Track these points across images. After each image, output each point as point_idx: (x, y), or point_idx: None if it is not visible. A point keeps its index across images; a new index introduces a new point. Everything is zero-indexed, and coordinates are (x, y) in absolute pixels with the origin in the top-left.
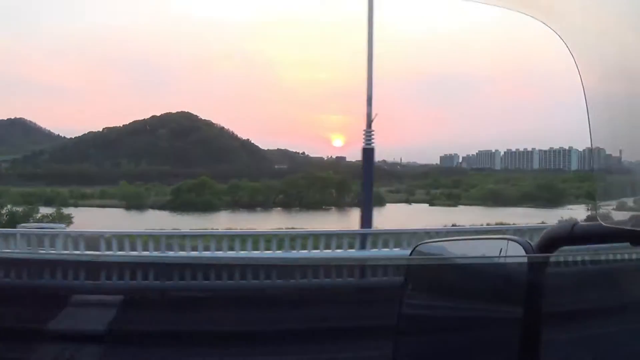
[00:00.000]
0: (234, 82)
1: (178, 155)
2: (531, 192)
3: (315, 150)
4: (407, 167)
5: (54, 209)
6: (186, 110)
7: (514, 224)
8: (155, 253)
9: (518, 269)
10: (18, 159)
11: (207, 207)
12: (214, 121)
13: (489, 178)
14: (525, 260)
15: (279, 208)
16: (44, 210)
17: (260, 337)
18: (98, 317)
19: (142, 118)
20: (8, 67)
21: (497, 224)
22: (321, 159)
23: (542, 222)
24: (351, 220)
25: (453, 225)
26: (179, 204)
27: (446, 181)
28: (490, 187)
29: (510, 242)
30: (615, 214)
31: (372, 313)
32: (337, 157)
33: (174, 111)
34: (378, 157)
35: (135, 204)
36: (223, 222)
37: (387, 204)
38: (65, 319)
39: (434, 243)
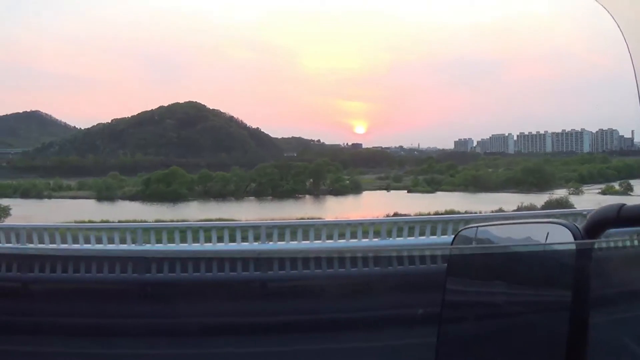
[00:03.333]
0: (248, 71)
1: (183, 145)
2: (517, 176)
3: (332, 137)
4: (425, 152)
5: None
6: (194, 100)
7: (466, 211)
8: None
9: (566, 254)
10: (28, 152)
11: (175, 197)
12: (222, 110)
13: (495, 162)
14: (573, 245)
15: (251, 197)
16: None
17: (305, 324)
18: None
19: (151, 109)
20: (23, 61)
21: (446, 212)
22: (337, 146)
23: (500, 210)
24: (323, 208)
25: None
26: (147, 195)
27: (440, 166)
28: (472, 172)
29: (557, 225)
30: None
31: (416, 300)
32: (352, 144)
33: (182, 101)
34: (397, 142)
35: (106, 195)
36: (190, 212)
37: (365, 192)
38: None
39: (478, 227)
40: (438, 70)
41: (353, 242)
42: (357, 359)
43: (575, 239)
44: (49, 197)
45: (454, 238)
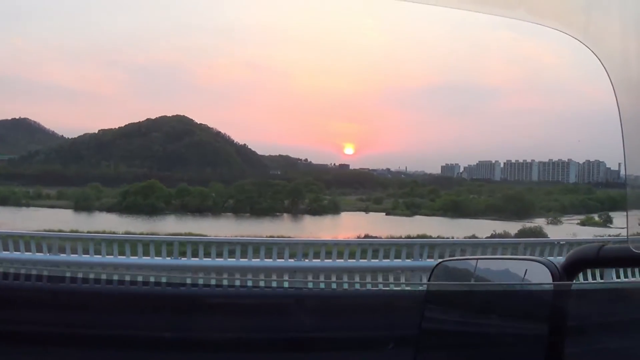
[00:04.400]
0: (237, 87)
1: (168, 159)
2: (498, 204)
3: (321, 157)
4: (412, 176)
5: None
6: (182, 114)
7: (438, 236)
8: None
9: (543, 292)
10: (14, 159)
11: (151, 210)
12: (210, 125)
13: (479, 188)
14: (550, 285)
15: (228, 213)
16: None
17: (272, 344)
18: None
19: (138, 121)
20: (13, 68)
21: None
22: (324, 166)
23: (473, 236)
24: (297, 227)
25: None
26: (124, 207)
27: (422, 190)
28: (452, 197)
29: (536, 263)
30: None
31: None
32: (340, 165)
33: (170, 114)
34: (385, 165)
35: (83, 205)
36: (164, 226)
37: (343, 212)
38: None
39: (459, 259)
40: (428, 96)
41: (316, 261)
42: None
43: (553, 277)
44: (27, 205)
45: (434, 268)
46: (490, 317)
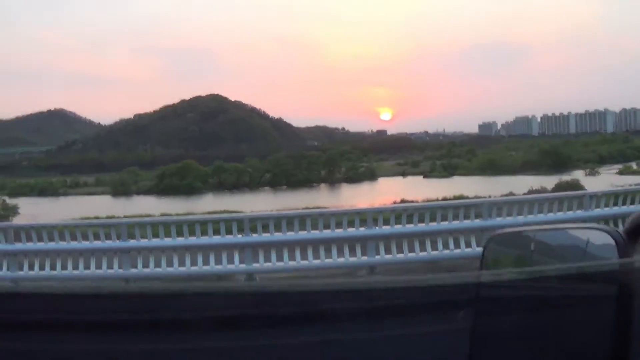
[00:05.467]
0: (271, 62)
1: (204, 138)
2: (534, 159)
3: (358, 125)
4: (451, 137)
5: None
6: (216, 93)
7: (475, 196)
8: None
9: (609, 263)
10: (52, 150)
11: (189, 190)
12: (245, 102)
13: (517, 144)
14: (615, 253)
15: (266, 188)
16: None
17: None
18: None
19: (173, 103)
20: (45, 60)
21: (455, 197)
22: (362, 133)
23: (510, 193)
24: (334, 196)
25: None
26: (161, 189)
27: (459, 151)
28: (489, 156)
29: (597, 231)
30: None
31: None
32: (377, 131)
33: (204, 94)
34: (422, 128)
35: (121, 190)
36: (202, 205)
37: (380, 178)
38: None
39: (512, 231)
40: (462, 55)
41: (340, 231)
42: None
43: (617, 245)
44: (65, 194)
45: (488, 241)
46: (550, 288)
